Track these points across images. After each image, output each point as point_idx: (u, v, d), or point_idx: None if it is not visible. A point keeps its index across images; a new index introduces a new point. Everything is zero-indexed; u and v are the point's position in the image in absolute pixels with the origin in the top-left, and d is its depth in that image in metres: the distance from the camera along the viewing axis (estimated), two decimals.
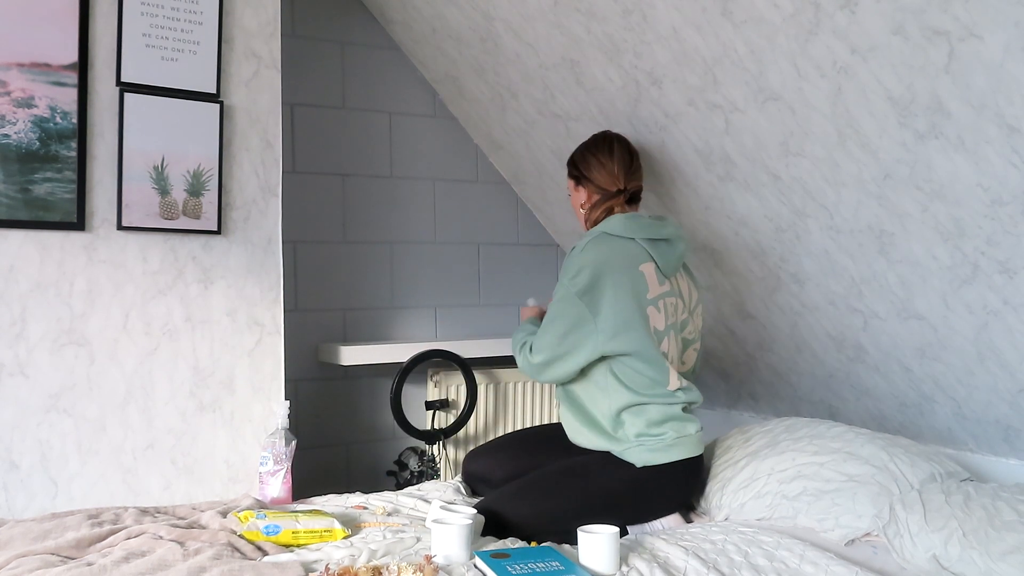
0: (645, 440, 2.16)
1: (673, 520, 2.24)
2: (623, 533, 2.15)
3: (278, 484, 2.24)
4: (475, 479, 2.44)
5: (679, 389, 2.22)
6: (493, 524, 2.05)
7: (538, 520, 2.10)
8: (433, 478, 2.92)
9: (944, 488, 2.03)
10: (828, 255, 2.42)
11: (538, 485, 2.19)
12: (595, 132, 2.77)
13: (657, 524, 2.22)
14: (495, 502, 2.14)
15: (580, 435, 2.29)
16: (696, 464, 2.25)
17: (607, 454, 2.21)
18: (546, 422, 3.34)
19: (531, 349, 2.28)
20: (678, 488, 2.24)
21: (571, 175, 2.46)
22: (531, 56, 2.71)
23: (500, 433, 3.24)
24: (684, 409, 2.22)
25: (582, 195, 2.42)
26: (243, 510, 2.00)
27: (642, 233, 2.25)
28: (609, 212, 2.34)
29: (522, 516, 2.09)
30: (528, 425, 3.31)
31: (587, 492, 2.16)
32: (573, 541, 1.87)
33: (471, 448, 3.15)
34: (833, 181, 2.22)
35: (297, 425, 2.72)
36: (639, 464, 2.16)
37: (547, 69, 2.71)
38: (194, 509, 2.11)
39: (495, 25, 2.70)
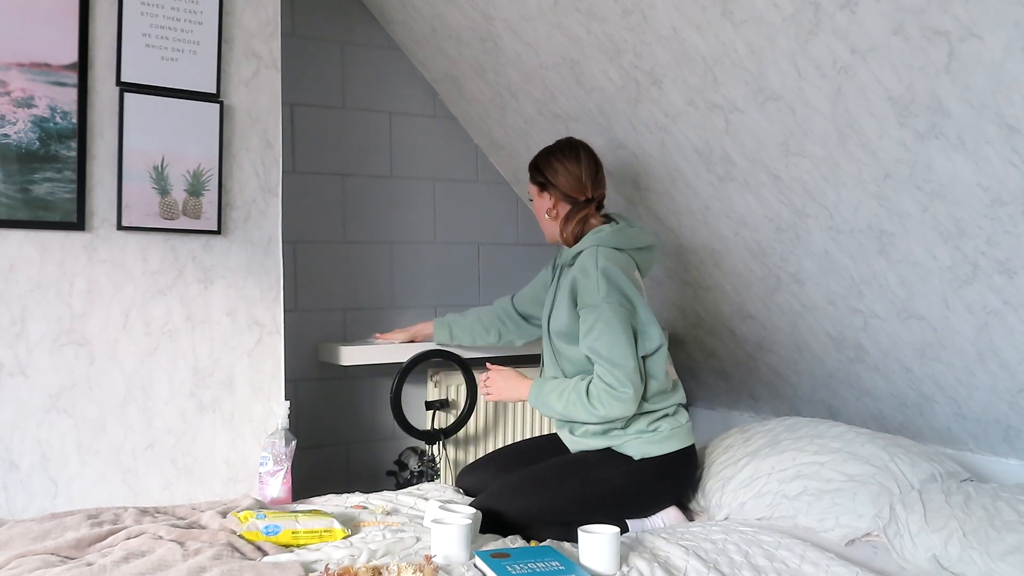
0: (642, 434, 2.21)
1: (673, 515, 2.25)
2: (623, 528, 2.16)
3: (278, 484, 2.24)
4: (472, 493, 2.43)
5: (675, 388, 2.31)
6: (492, 520, 2.06)
7: (537, 514, 2.11)
8: (433, 478, 2.92)
9: (944, 488, 2.03)
10: (828, 255, 2.42)
11: (537, 479, 2.21)
12: (594, 133, 2.78)
13: (658, 520, 2.24)
14: (494, 497, 2.15)
15: (578, 444, 2.30)
16: (690, 454, 2.30)
17: (606, 449, 2.23)
18: (546, 423, 3.34)
19: (611, 386, 2.12)
20: (676, 479, 2.28)
21: (535, 181, 2.42)
22: (531, 56, 2.71)
23: (500, 433, 3.24)
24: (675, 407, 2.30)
25: (547, 201, 2.40)
26: (243, 510, 2.00)
27: (631, 243, 2.30)
28: (584, 223, 2.34)
29: (521, 510, 2.11)
30: (527, 426, 3.31)
31: (586, 485, 2.18)
32: (573, 535, 1.88)
33: (470, 454, 3.16)
34: (833, 181, 2.22)
35: (297, 425, 2.72)
36: (637, 457, 2.20)
37: (547, 69, 2.71)
38: (194, 509, 2.11)
39: (495, 25, 2.70)
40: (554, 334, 2.33)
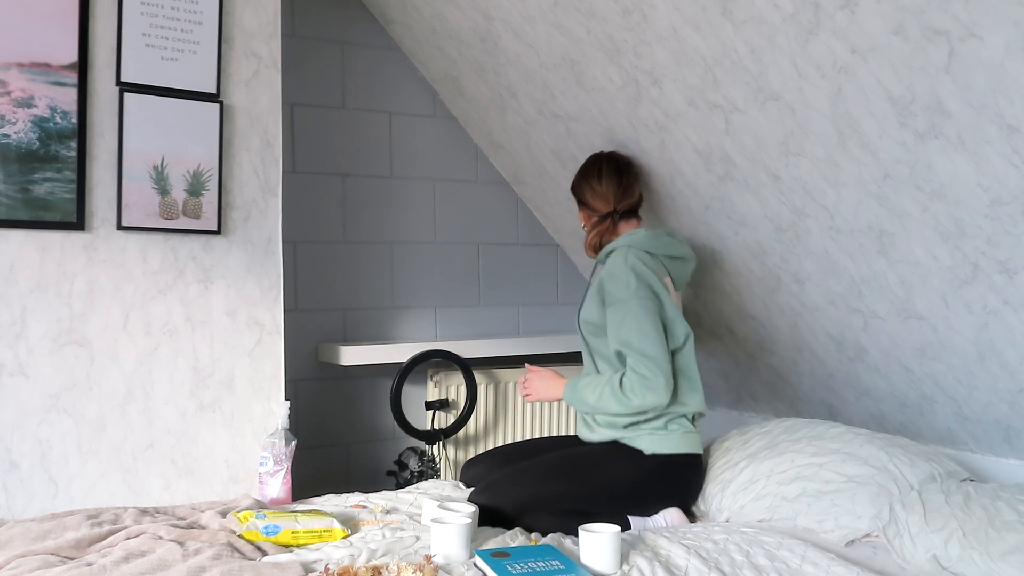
0: (656, 431, 2.25)
1: (675, 516, 2.25)
2: (625, 524, 2.16)
3: (278, 484, 2.24)
4: (473, 485, 2.44)
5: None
6: (490, 509, 2.08)
7: (537, 501, 2.13)
8: (433, 478, 2.92)
9: (944, 488, 2.03)
10: (828, 255, 2.42)
11: (539, 468, 2.24)
12: (594, 133, 2.78)
13: (660, 520, 2.24)
14: (493, 486, 2.16)
15: (591, 430, 2.32)
16: (698, 462, 2.33)
17: (614, 443, 2.26)
18: (546, 423, 3.34)
19: (643, 376, 2.17)
20: (682, 481, 2.29)
21: (576, 200, 2.58)
22: (531, 56, 2.71)
23: (500, 433, 3.24)
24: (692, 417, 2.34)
25: (583, 217, 2.56)
26: (243, 510, 2.01)
27: (664, 250, 2.39)
28: (602, 235, 2.46)
29: (521, 497, 2.13)
30: (527, 426, 3.31)
31: (592, 476, 2.21)
32: (573, 526, 1.90)
33: (470, 454, 3.16)
34: (833, 181, 2.22)
35: (297, 425, 2.72)
36: (648, 452, 2.23)
37: (547, 69, 2.71)
38: (194, 509, 2.11)
39: (495, 25, 2.70)
40: (584, 323, 2.41)
